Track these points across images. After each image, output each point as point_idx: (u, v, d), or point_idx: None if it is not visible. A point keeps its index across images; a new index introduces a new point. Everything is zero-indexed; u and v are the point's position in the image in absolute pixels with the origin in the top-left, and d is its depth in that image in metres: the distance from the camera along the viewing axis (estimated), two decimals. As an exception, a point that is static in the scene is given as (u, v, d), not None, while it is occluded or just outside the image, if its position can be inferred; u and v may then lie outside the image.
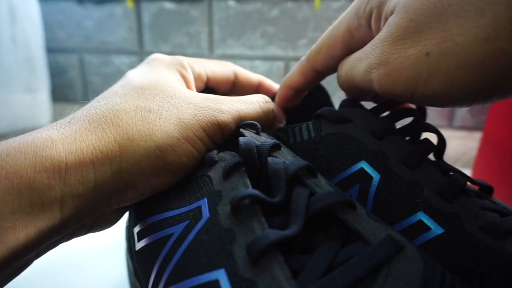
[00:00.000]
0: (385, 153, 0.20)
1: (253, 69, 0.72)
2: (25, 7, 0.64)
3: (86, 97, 0.83)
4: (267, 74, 0.72)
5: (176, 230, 0.17)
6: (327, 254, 0.14)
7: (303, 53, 0.69)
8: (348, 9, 0.22)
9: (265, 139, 0.19)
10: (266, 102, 0.24)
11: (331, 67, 0.24)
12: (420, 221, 0.18)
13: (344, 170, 0.21)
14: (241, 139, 0.18)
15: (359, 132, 0.21)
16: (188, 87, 0.23)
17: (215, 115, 0.20)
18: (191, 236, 0.16)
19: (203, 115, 0.20)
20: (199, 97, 0.21)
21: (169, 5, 0.72)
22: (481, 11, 0.14)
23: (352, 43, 0.22)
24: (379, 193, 0.20)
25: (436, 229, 0.18)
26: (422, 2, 0.16)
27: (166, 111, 0.19)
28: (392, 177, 0.20)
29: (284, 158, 0.18)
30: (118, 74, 0.79)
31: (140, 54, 0.77)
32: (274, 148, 0.18)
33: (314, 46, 0.25)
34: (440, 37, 0.15)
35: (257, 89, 0.29)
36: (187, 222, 0.17)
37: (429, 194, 0.19)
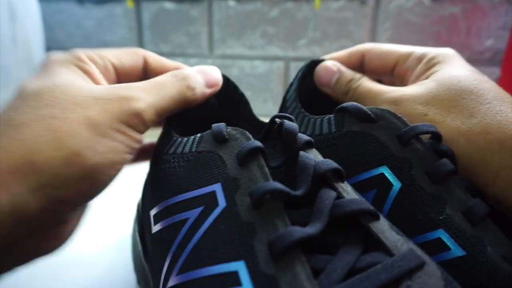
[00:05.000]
0: (410, 161, 0.19)
1: (253, 69, 0.72)
2: (25, 7, 0.64)
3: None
4: (267, 74, 0.72)
5: (191, 215, 0.17)
6: (349, 259, 0.14)
7: (303, 53, 0.69)
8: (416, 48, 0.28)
9: (301, 134, 0.19)
10: (182, 79, 0.22)
11: (376, 63, 0.29)
12: (440, 239, 0.18)
13: (362, 172, 0.20)
14: (286, 122, 0.18)
15: (384, 134, 0.20)
16: (96, 81, 0.22)
17: (128, 103, 0.19)
18: (207, 224, 0.16)
19: (114, 106, 0.18)
20: (106, 89, 0.19)
21: (169, 5, 0.72)
22: (472, 115, 0.21)
23: (397, 65, 0.28)
24: (397, 202, 0.19)
25: (456, 250, 0.17)
26: (449, 87, 0.23)
27: (72, 112, 0.18)
28: (414, 188, 0.19)
29: (315, 157, 0.17)
30: (118, 74, 0.79)
31: (140, 54, 0.77)
32: (308, 144, 0.18)
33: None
34: (439, 111, 0.22)
35: None
36: (201, 208, 0.16)
37: (452, 212, 0.18)
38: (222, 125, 0.19)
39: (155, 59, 0.26)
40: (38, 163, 0.16)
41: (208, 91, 0.24)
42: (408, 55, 0.27)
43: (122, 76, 0.24)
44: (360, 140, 0.21)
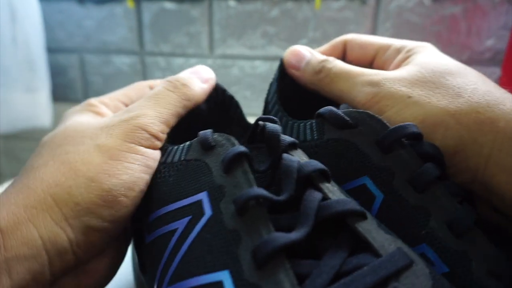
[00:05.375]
0: (391, 170, 0.18)
1: (253, 69, 0.72)
2: (25, 7, 0.64)
3: (86, 97, 0.83)
4: (268, 74, 0.72)
5: (180, 225, 0.17)
6: (335, 262, 0.13)
7: (304, 53, 0.69)
8: (396, 40, 0.28)
9: (284, 135, 0.18)
10: (176, 81, 0.23)
11: (357, 53, 0.29)
12: (423, 254, 0.17)
13: (344, 182, 0.19)
14: (268, 124, 0.18)
15: (364, 141, 0.19)
16: None
17: (130, 122, 0.19)
18: (194, 233, 0.16)
19: (118, 129, 0.19)
20: (109, 118, 0.21)
21: (169, 5, 0.72)
22: (459, 95, 0.20)
23: (377, 56, 0.28)
24: (381, 215, 0.18)
25: (439, 267, 0.16)
26: (432, 69, 0.22)
27: (82, 144, 0.19)
28: (396, 199, 0.18)
29: (300, 158, 0.17)
30: (118, 74, 0.79)
31: (140, 54, 0.77)
32: (292, 146, 0.18)
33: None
34: (424, 93, 0.21)
35: None
36: (189, 217, 0.16)
37: (436, 224, 0.17)
38: (208, 132, 0.19)
39: (157, 83, 0.27)
40: (57, 195, 0.17)
41: (205, 85, 0.25)
42: (388, 47, 0.27)
43: None
44: (341, 149, 0.20)
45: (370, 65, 0.28)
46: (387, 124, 0.19)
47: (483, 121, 0.19)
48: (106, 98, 0.24)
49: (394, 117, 0.20)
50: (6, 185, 0.44)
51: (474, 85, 0.21)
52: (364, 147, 0.19)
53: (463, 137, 0.19)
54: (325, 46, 0.30)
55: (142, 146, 0.19)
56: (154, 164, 0.20)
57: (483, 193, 0.19)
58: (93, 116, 0.22)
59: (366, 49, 0.28)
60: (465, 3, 0.61)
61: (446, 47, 0.63)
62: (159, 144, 0.20)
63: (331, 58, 0.25)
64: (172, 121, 0.21)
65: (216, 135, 0.19)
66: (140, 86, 0.26)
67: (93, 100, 0.23)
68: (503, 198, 0.18)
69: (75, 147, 0.19)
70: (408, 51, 0.25)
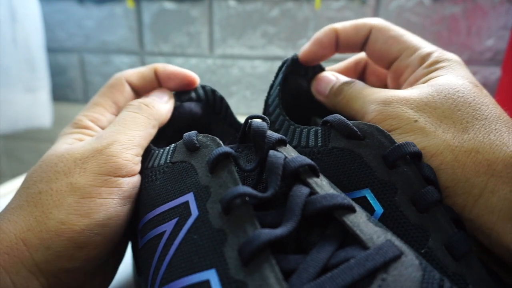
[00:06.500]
0: (395, 186, 0.18)
1: (253, 69, 0.72)
2: (25, 7, 0.64)
3: (86, 97, 0.83)
4: (268, 74, 0.72)
5: (168, 227, 0.17)
6: (322, 256, 0.13)
7: (304, 53, 0.69)
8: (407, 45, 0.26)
9: (272, 132, 0.18)
10: (140, 103, 0.23)
11: (347, 39, 0.27)
12: None
13: (345, 192, 0.19)
14: (254, 122, 0.18)
15: (370, 154, 0.19)
16: (93, 134, 0.22)
17: (102, 152, 0.19)
18: (181, 235, 0.16)
19: (92, 162, 0.18)
20: (83, 147, 0.20)
21: (169, 5, 0.72)
22: (465, 130, 0.20)
23: (400, 58, 0.26)
24: None
25: None
26: (445, 95, 0.21)
27: (55, 182, 0.18)
28: (397, 215, 0.18)
29: (288, 154, 0.17)
30: (118, 74, 0.79)
31: (140, 54, 0.77)
32: (280, 142, 0.18)
33: None
34: (431, 120, 0.20)
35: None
36: (176, 219, 0.16)
37: (435, 245, 0.17)
38: (193, 133, 0.19)
39: (131, 73, 0.26)
40: (29, 240, 0.16)
41: (167, 105, 0.25)
42: (413, 50, 0.25)
43: (142, 92, 0.26)
44: (345, 158, 0.20)
45: (390, 64, 0.27)
46: (395, 140, 0.19)
47: (480, 162, 0.19)
48: (96, 113, 0.23)
49: (396, 138, 0.20)
50: (6, 185, 0.44)
51: (484, 120, 0.20)
52: (369, 159, 0.19)
53: (456, 174, 0.19)
54: (347, 25, 0.27)
55: (118, 176, 0.19)
56: (133, 192, 0.19)
57: (467, 227, 0.19)
58: (79, 140, 0.21)
59: (391, 46, 0.26)
60: (465, 3, 0.61)
61: (446, 47, 0.63)
62: (136, 168, 0.20)
63: (351, 80, 0.25)
64: (145, 143, 0.21)
65: (200, 136, 0.19)
66: (118, 85, 0.25)
67: (84, 119, 0.23)
68: (489, 236, 0.18)
69: (48, 186, 0.18)
70: (431, 64, 0.24)
